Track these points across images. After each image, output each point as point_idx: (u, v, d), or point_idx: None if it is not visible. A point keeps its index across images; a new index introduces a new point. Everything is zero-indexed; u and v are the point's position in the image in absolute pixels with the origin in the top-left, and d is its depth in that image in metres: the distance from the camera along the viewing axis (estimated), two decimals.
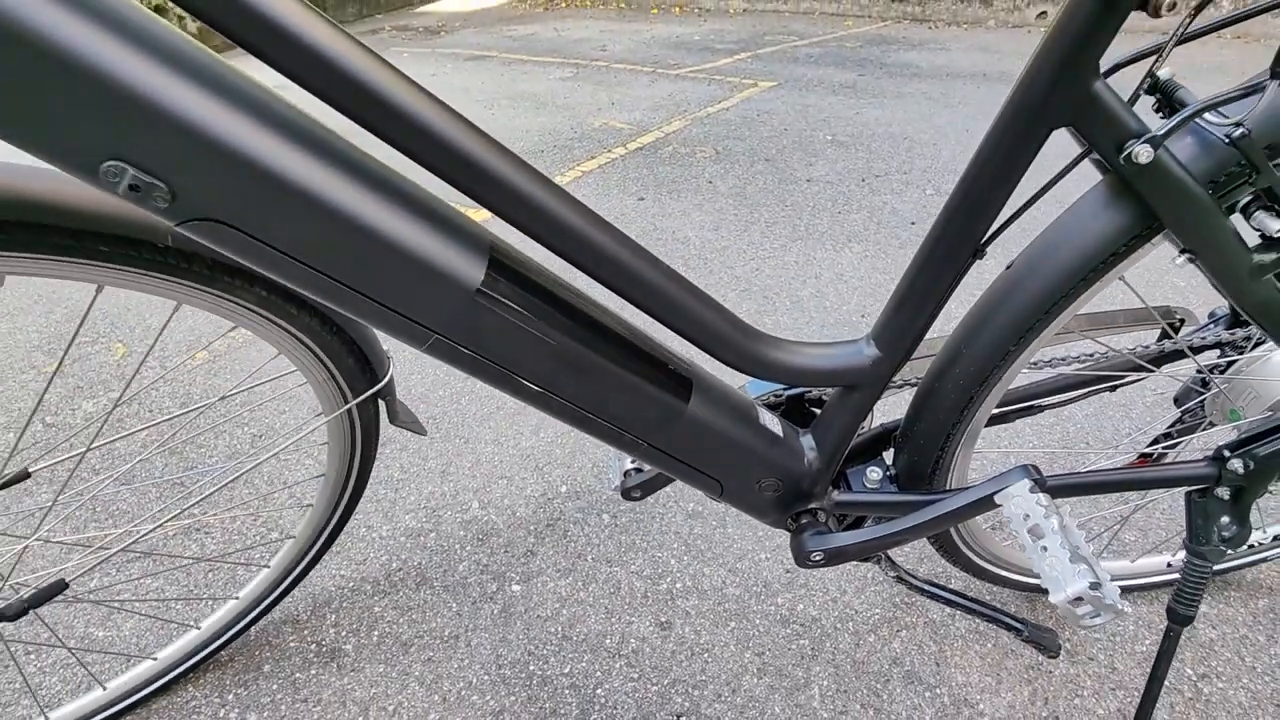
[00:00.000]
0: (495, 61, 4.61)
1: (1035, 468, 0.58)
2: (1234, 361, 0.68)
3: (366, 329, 0.72)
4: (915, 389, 0.67)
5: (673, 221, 2.10)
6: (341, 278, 0.45)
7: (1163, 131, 0.45)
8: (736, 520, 1.09)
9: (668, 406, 0.56)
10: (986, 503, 0.58)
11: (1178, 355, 0.69)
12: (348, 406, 0.75)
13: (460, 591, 1.01)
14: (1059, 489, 0.66)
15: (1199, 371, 0.72)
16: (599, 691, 0.87)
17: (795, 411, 0.70)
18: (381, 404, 0.79)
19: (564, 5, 7.29)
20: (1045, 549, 0.53)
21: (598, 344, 0.52)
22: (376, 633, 0.96)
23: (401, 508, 1.14)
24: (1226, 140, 0.46)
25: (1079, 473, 0.66)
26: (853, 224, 2.02)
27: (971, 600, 0.76)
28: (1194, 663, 0.86)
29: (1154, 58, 0.47)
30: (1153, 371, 0.69)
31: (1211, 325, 0.70)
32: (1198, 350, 0.69)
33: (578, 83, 3.86)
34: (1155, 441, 0.81)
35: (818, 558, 0.66)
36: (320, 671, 0.91)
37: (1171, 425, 0.79)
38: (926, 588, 0.77)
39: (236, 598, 0.90)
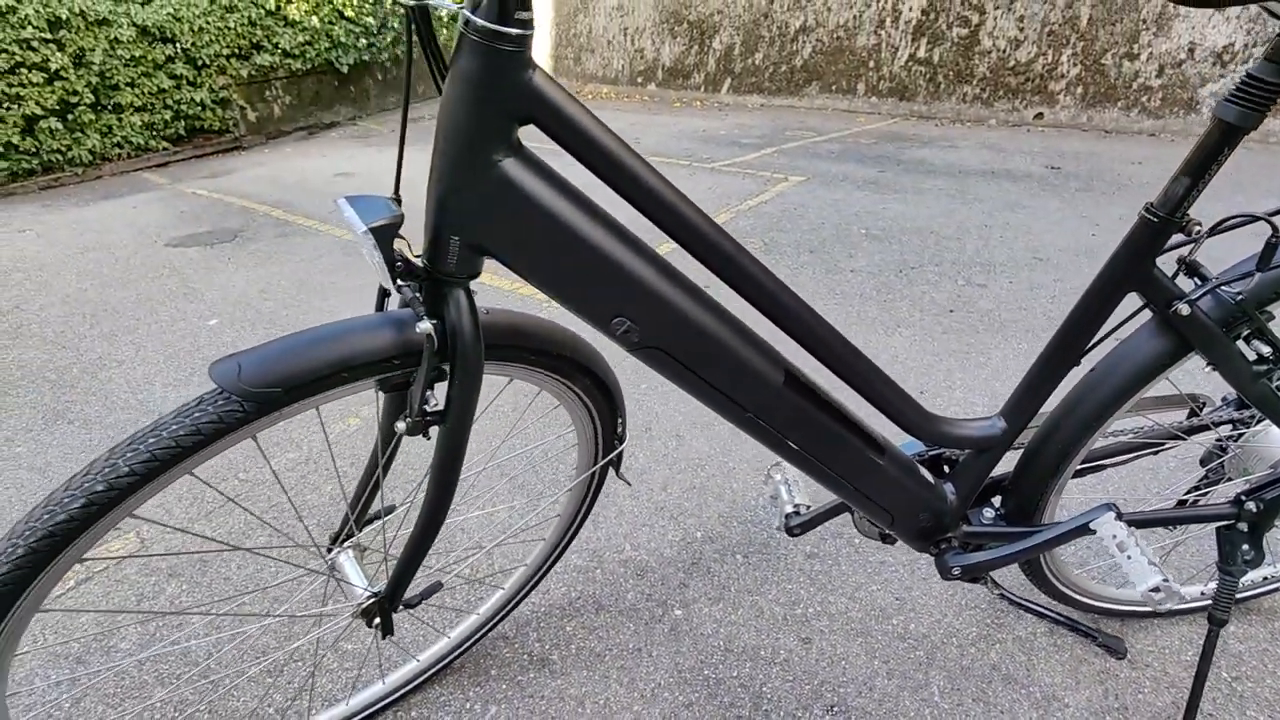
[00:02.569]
0: (538, 151, 5.05)
1: (1115, 505, 0.85)
2: (1242, 433, 0.96)
3: (622, 401, 1.00)
4: (1022, 450, 0.94)
5: (736, 309, 2.40)
6: (711, 379, 0.73)
7: (1195, 297, 0.74)
8: (848, 558, 1.34)
9: (873, 462, 0.84)
10: (1084, 529, 0.85)
11: (1203, 428, 0.96)
12: (606, 459, 1.02)
13: (633, 615, 1.25)
14: (1130, 521, 0.92)
15: (1219, 440, 0.99)
16: (764, 689, 1.11)
17: (932, 465, 0.97)
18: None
19: (590, 98, 7.86)
20: (1130, 557, 0.80)
21: (837, 420, 0.80)
22: (574, 646, 1.20)
23: (569, 550, 1.39)
24: (1233, 301, 0.75)
25: (1142, 511, 0.93)
26: (899, 311, 2.33)
27: (1056, 613, 1.02)
28: (1228, 669, 1.10)
29: (1188, 248, 0.76)
30: (1185, 439, 0.97)
31: (1224, 407, 0.98)
32: (1218, 424, 0.96)
33: None
34: (1190, 492, 1.07)
35: (957, 572, 0.93)
36: (536, 675, 1.15)
37: (1201, 480, 1.06)
38: (1023, 602, 1.02)
39: (477, 613, 1.15)
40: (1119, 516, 0.83)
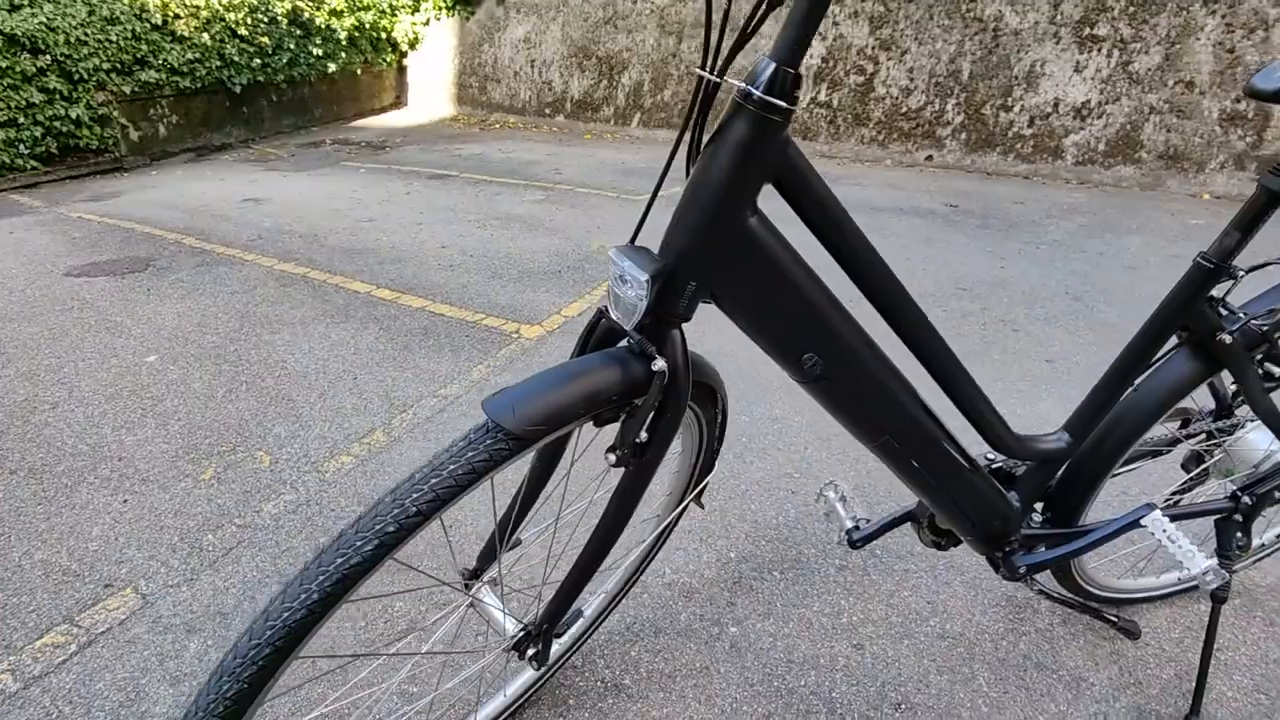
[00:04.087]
0: (460, 181, 5.01)
1: (1154, 504, 1.00)
2: (1224, 440, 1.15)
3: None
4: (1069, 460, 1.08)
5: (696, 332, 2.51)
6: (866, 408, 0.81)
7: (1235, 328, 0.91)
8: (875, 568, 1.45)
9: (970, 475, 0.94)
10: (1135, 524, 0.99)
11: (1199, 435, 1.14)
12: (696, 492, 1.07)
13: (691, 635, 1.30)
14: None
15: (1208, 446, 1.18)
16: (833, 694, 1.19)
17: (998, 474, 1.09)
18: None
19: (498, 127, 7.86)
20: (1181, 546, 0.94)
21: (947, 439, 0.90)
22: (643, 669, 1.23)
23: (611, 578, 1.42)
24: (1259, 332, 0.92)
25: (1164, 506, 1.09)
26: None
27: (1083, 603, 1.16)
28: (1222, 638, 1.29)
29: (1228, 286, 0.92)
30: (1184, 441, 1.14)
31: (1206, 418, 1.17)
32: (1210, 433, 1.15)
33: (553, 205, 4.31)
34: (1175, 492, 1.26)
35: (1023, 571, 1.05)
36: (615, 700, 1.17)
37: (1183, 484, 1.24)
38: (1057, 595, 1.16)
39: (559, 641, 1.16)
40: (1163, 513, 0.98)
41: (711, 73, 0.65)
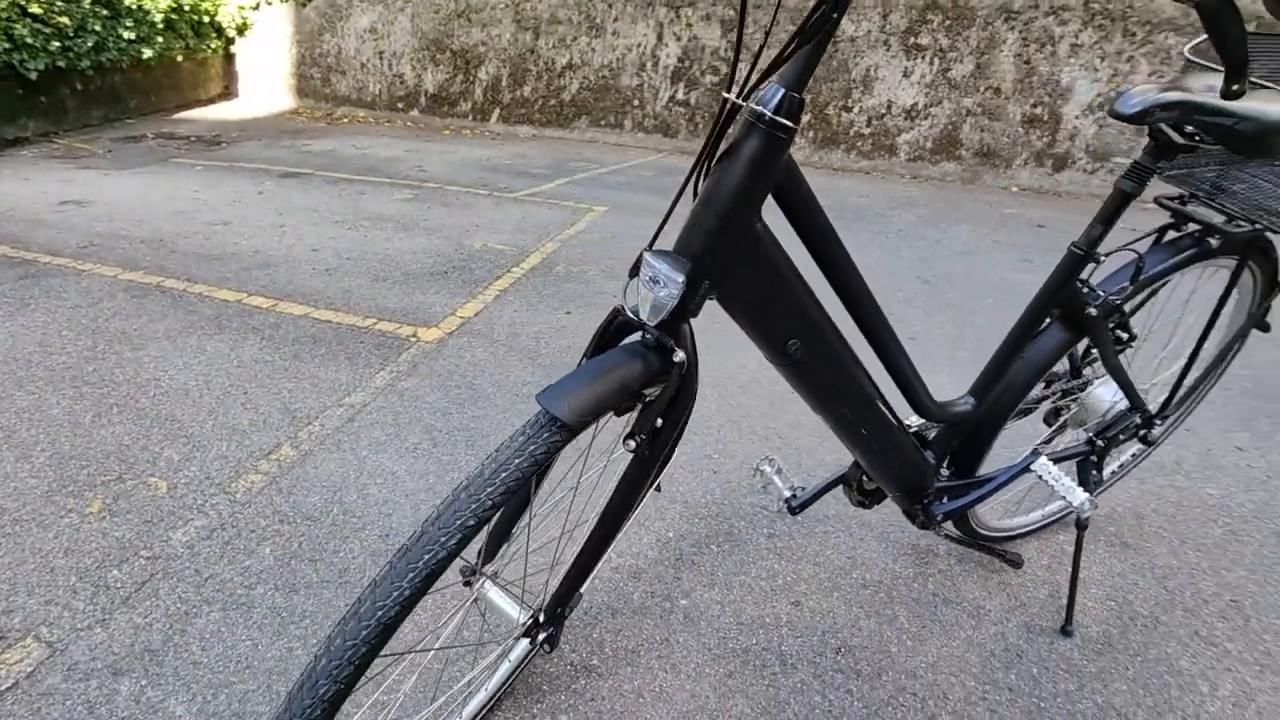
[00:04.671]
0: (318, 179, 4.75)
1: (1040, 451, 1.20)
2: (1079, 396, 1.38)
3: None
4: (967, 419, 1.26)
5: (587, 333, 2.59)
6: (830, 385, 0.92)
7: (1099, 303, 1.11)
8: (799, 532, 1.60)
9: (903, 441, 1.09)
10: (1026, 469, 1.19)
11: (1061, 394, 1.37)
12: (657, 479, 1.14)
13: (645, 612, 1.38)
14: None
15: (1063, 400, 1.41)
16: (783, 648, 1.31)
17: (916, 438, 1.25)
18: None
19: (346, 121, 7.46)
20: (1064, 484, 1.14)
21: (889, 410, 1.04)
22: (607, 648, 1.30)
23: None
24: (1114, 304, 1.13)
25: (1041, 451, 1.30)
26: None
27: (980, 544, 1.36)
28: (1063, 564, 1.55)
29: (1090, 269, 1.12)
30: (1050, 398, 1.37)
31: (1065, 378, 1.41)
32: (1067, 391, 1.38)
33: (424, 204, 4.20)
34: (1043, 441, 1.49)
35: (940, 518, 1.22)
36: (588, 681, 1.23)
37: (1047, 435, 1.48)
38: (962, 538, 1.35)
39: None
40: (1056, 458, 1.18)
41: (739, 97, 0.72)
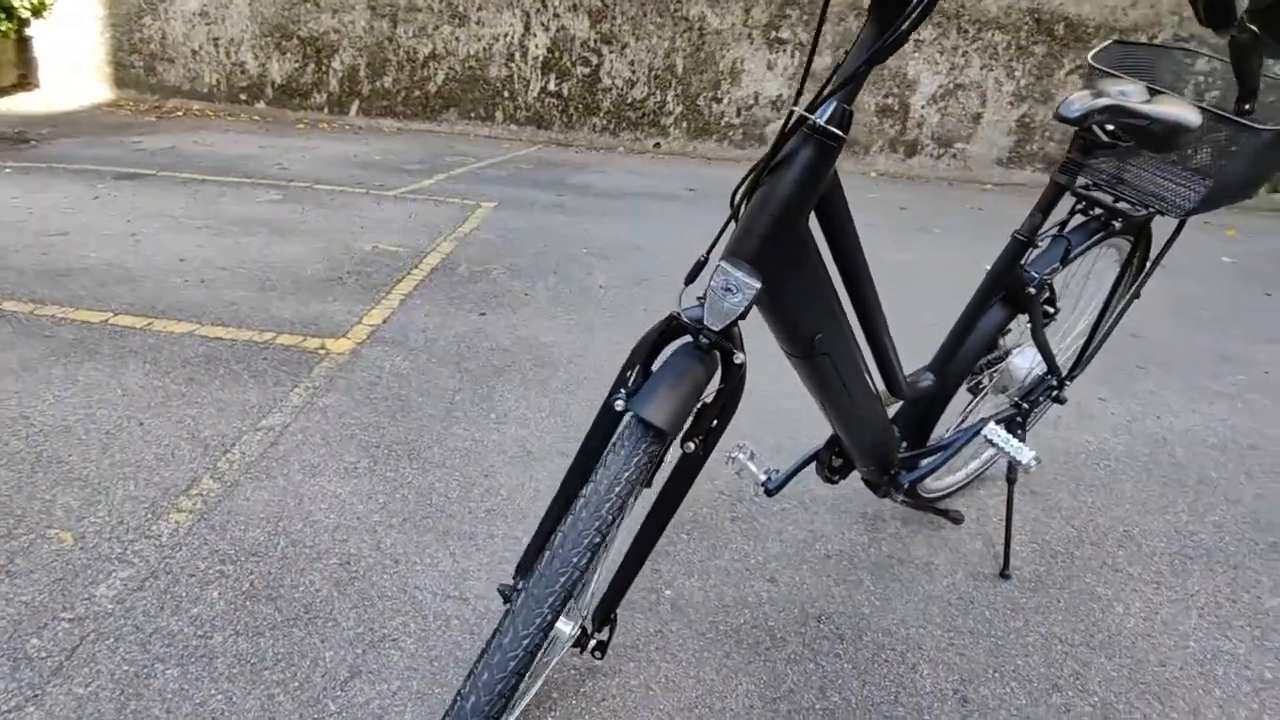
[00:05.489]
0: (163, 180, 4.31)
1: (991, 419, 1.33)
2: (1000, 365, 1.55)
3: None
4: (924, 394, 1.37)
5: (528, 330, 2.56)
6: (841, 375, 0.98)
7: (1038, 282, 1.24)
8: (761, 513, 1.68)
9: (885, 419, 1.18)
10: (977, 434, 1.31)
11: (989, 364, 1.52)
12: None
13: (635, 607, 1.40)
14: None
15: (984, 370, 1.57)
16: (770, 624, 1.38)
17: None
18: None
19: (181, 115, 6.77)
20: (1012, 445, 1.28)
21: (879, 398, 1.12)
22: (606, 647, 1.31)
23: None
24: (1047, 282, 1.28)
25: (994, 419, 1.45)
26: (659, 316, 2.74)
27: (926, 505, 1.50)
28: (992, 516, 1.73)
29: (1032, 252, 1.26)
30: (982, 371, 1.52)
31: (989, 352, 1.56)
32: (991, 362, 1.54)
33: (297, 205, 3.93)
34: (968, 406, 1.66)
35: (907, 485, 1.33)
36: (595, 682, 1.24)
37: (971, 403, 1.64)
38: (914, 502, 1.48)
39: None
40: (997, 423, 1.32)
41: (810, 111, 0.76)
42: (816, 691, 1.25)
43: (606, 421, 0.91)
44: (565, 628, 0.96)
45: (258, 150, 5.34)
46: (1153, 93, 1.11)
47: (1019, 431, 1.52)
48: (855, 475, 1.41)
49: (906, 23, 0.69)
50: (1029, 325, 1.35)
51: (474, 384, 2.18)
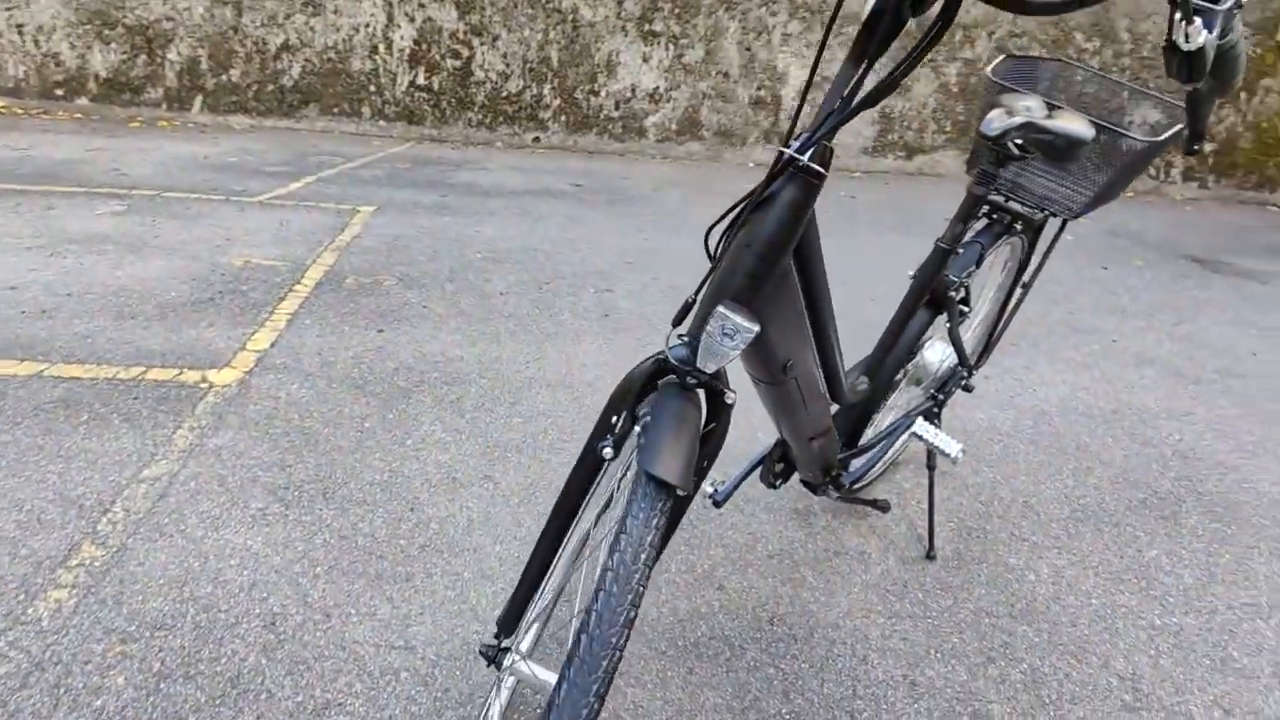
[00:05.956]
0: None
1: (921, 417, 1.40)
2: (914, 360, 1.64)
3: None
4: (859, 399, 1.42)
5: (432, 345, 2.44)
6: (803, 398, 1.00)
7: (958, 285, 1.32)
8: (700, 521, 1.69)
9: (830, 427, 1.21)
10: (908, 429, 1.38)
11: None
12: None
13: None
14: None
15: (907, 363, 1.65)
16: (726, 632, 1.40)
17: None
18: None
19: None
20: (941, 438, 1.36)
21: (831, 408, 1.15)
22: None
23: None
24: (964, 285, 1.35)
25: (916, 414, 1.52)
26: (568, 322, 2.70)
27: (855, 498, 1.57)
28: (908, 499, 1.84)
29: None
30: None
31: None
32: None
33: (146, 218, 3.55)
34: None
35: (848, 485, 1.38)
36: None
37: (891, 398, 1.73)
38: (848, 496, 1.54)
39: None
40: (925, 418, 1.39)
41: (800, 152, 0.75)
42: (780, 696, 1.28)
43: (589, 466, 0.88)
44: (552, 680, 0.92)
45: (86, 154, 4.77)
46: (1050, 107, 1.20)
47: (936, 421, 1.62)
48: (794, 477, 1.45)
49: (901, 69, 0.70)
50: (946, 323, 1.43)
51: (382, 408, 2.06)
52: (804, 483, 1.47)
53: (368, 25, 5.73)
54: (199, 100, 6.03)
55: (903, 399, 1.71)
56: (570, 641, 0.65)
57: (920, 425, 1.39)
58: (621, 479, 0.87)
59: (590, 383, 2.27)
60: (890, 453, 1.86)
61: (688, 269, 3.33)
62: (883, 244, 3.97)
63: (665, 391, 0.82)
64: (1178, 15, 0.62)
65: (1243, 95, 5.40)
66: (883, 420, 1.56)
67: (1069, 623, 1.49)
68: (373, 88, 5.87)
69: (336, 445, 1.88)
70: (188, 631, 1.32)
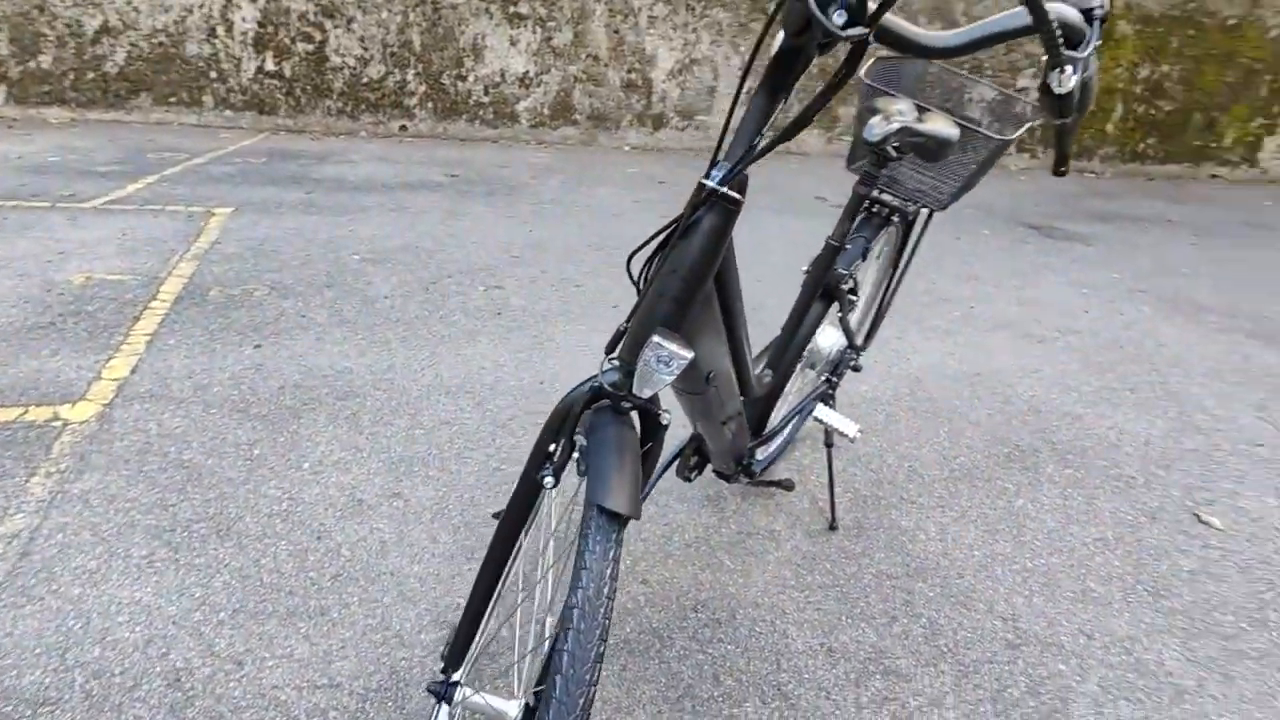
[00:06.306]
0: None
1: (819, 399, 1.49)
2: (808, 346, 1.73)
3: None
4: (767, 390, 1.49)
5: (318, 358, 2.32)
6: (722, 399, 1.04)
7: (847, 277, 1.40)
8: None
9: (745, 423, 1.26)
10: (810, 414, 1.46)
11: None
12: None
13: (523, 643, 1.38)
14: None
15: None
16: (654, 626, 1.44)
17: None
18: None
19: None
20: (836, 419, 1.45)
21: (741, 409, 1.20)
22: (505, 694, 1.28)
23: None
24: (852, 279, 1.44)
25: (813, 397, 1.61)
26: (461, 322, 2.64)
27: (761, 480, 1.65)
28: (815, 470, 1.95)
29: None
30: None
31: None
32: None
33: None
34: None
35: (758, 472, 1.45)
36: None
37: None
38: (758, 477, 1.62)
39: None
40: (822, 400, 1.48)
41: (721, 184, 0.76)
42: (711, 680, 1.34)
43: (527, 494, 0.88)
44: (508, 708, 0.92)
45: None
46: (920, 109, 1.29)
47: (831, 401, 1.72)
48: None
49: (812, 107, 0.73)
50: (838, 313, 1.53)
51: (271, 432, 1.94)
52: (717, 473, 1.52)
53: (202, 6, 5.25)
54: (2, 91, 5.32)
55: (798, 383, 1.81)
56: (546, 679, 0.66)
57: (821, 410, 1.48)
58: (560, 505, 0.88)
59: (491, 385, 2.24)
60: (785, 434, 1.96)
61: (576, 260, 3.33)
62: (762, 226, 4.12)
63: (601, 417, 0.83)
64: (1052, 66, 0.71)
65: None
66: (784, 406, 1.65)
67: (957, 575, 1.65)
68: (214, 74, 5.40)
69: (224, 477, 1.76)
70: (78, 703, 1.21)
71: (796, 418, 1.53)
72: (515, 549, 0.94)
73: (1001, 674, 1.40)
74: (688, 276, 0.82)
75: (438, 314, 2.70)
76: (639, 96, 5.70)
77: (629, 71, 5.62)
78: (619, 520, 0.75)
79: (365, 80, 5.46)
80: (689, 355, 0.81)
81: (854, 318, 1.80)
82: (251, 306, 2.64)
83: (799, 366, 1.68)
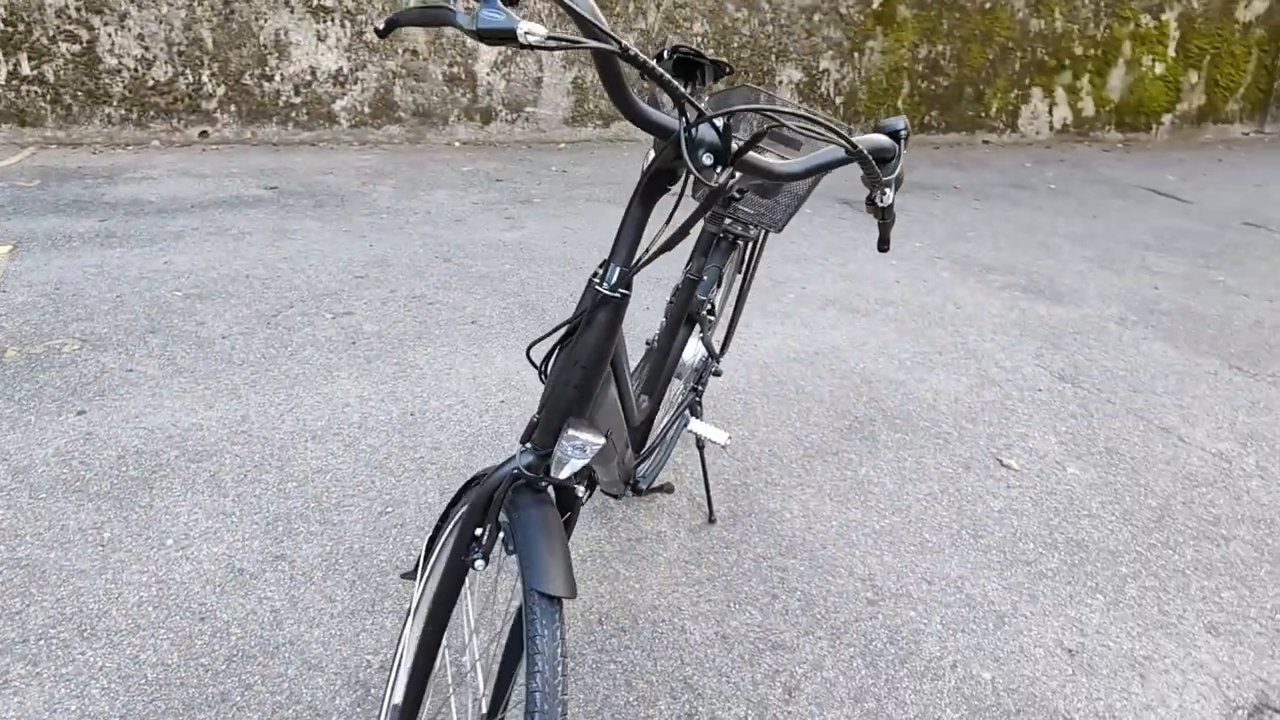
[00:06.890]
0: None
1: (689, 411, 1.62)
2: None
3: None
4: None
5: (158, 417, 2.15)
6: (620, 443, 1.13)
7: (706, 307, 1.53)
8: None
9: (628, 447, 1.37)
10: (685, 426, 1.59)
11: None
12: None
13: (440, 691, 1.42)
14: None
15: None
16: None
17: None
18: None
19: None
20: (709, 431, 1.59)
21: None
22: None
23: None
24: (710, 304, 1.57)
25: (683, 407, 1.74)
26: (314, 358, 2.52)
27: (643, 490, 1.78)
28: (690, 467, 2.10)
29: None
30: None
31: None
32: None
33: None
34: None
35: (644, 488, 1.56)
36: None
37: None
38: (645, 488, 1.75)
39: None
40: (693, 414, 1.62)
41: (612, 289, 0.84)
42: (625, 686, 1.46)
43: (456, 576, 0.92)
44: None
45: None
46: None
47: (699, 407, 1.87)
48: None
49: (688, 223, 0.82)
50: (700, 333, 1.67)
51: (120, 510, 1.80)
52: (605, 493, 1.62)
53: None
54: None
55: (668, 395, 1.95)
56: None
57: (695, 423, 1.62)
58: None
59: (359, 424, 2.19)
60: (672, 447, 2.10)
61: (424, 275, 3.26)
62: (604, 220, 4.22)
63: (523, 497, 0.89)
64: (873, 188, 0.87)
65: (855, 55, 6.55)
66: (660, 422, 1.77)
67: (820, 546, 1.87)
68: None
69: (75, 570, 1.62)
70: None
71: (673, 430, 1.66)
72: (444, 634, 0.99)
73: (866, 629, 1.63)
74: (588, 365, 0.89)
75: (286, 351, 2.56)
76: (464, 90, 5.56)
77: (450, 65, 5.46)
78: (559, 601, 0.83)
79: (151, 83, 4.91)
80: (601, 441, 0.89)
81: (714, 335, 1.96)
82: (62, 365, 2.37)
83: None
